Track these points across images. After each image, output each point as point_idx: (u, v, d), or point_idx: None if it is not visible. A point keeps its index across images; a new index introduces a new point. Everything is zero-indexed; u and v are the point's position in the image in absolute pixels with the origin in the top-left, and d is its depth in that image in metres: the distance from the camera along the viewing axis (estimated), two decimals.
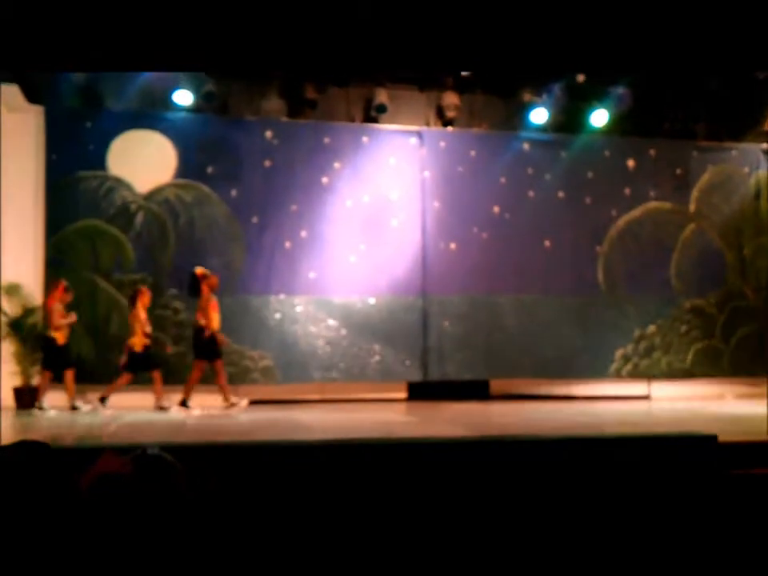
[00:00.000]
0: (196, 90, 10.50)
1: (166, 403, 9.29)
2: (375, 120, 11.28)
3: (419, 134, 11.37)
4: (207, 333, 9.40)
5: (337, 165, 11.06)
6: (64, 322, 9.36)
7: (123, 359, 9.44)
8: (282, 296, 10.67)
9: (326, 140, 11.04)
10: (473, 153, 11.43)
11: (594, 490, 4.45)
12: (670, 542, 4.26)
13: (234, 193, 10.68)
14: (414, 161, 11.32)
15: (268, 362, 10.51)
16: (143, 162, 10.46)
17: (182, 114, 10.66)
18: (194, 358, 9.55)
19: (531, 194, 11.53)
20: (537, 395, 11.08)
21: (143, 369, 9.44)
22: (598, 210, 11.69)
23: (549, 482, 4.43)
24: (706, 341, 11.93)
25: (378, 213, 11.14)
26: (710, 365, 11.92)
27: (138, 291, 9.58)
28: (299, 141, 10.93)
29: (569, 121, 11.61)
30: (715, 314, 12.03)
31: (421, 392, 11.02)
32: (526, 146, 11.58)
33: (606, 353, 11.48)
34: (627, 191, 11.82)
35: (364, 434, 6.69)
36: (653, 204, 11.91)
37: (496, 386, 11.04)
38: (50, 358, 9.42)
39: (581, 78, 10.95)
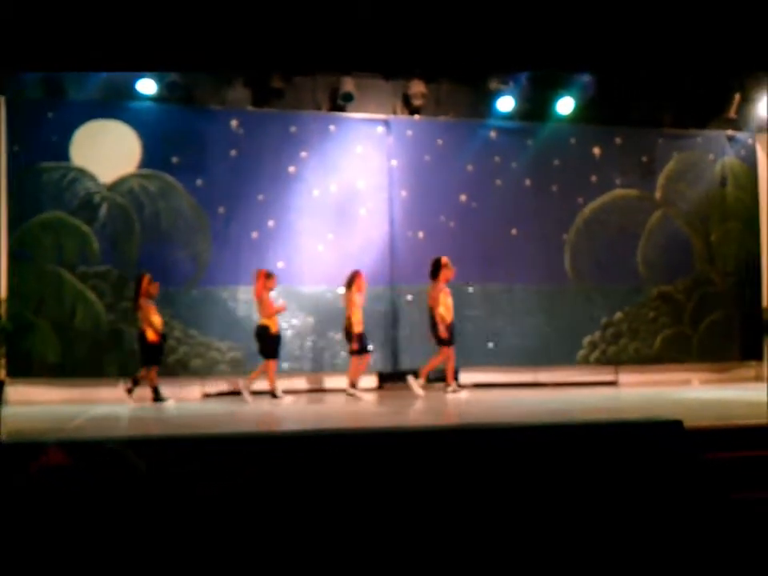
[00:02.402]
0: (160, 80, 10.37)
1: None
2: (342, 109, 11.22)
3: (386, 123, 11.33)
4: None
5: (303, 154, 11.00)
6: (276, 310, 9.52)
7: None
8: (249, 287, 10.60)
9: (293, 129, 10.98)
10: (440, 141, 11.41)
11: (562, 476, 4.47)
12: (637, 525, 4.29)
13: (199, 183, 10.58)
14: (381, 149, 11.29)
15: (236, 354, 10.44)
16: (107, 152, 10.32)
17: (146, 104, 10.53)
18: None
19: (498, 182, 11.54)
20: (505, 383, 11.12)
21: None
22: (564, 197, 11.72)
23: (517, 469, 4.44)
24: (674, 327, 12.03)
25: (346, 202, 11.10)
26: (678, 351, 12.02)
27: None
28: (265, 130, 10.85)
29: (535, 109, 11.62)
30: (683, 301, 12.13)
31: (391, 382, 11.03)
32: (492, 134, 11.59)
33: (573, 340, 11.54)
34: (593, 179, 11.87)
35: (335, 425, 6.69)
36: (619, 191, 11.97)
37: (465, 374, 11.03)
38: (265, 346, 9.50)
39: None
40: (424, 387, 9.78)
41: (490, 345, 11.20)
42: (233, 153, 10.73)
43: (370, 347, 9.93)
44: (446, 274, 9.87)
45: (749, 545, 4.16)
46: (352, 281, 9.86)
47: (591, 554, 4.18)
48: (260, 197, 10.77)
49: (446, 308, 9.80)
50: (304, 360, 10.78)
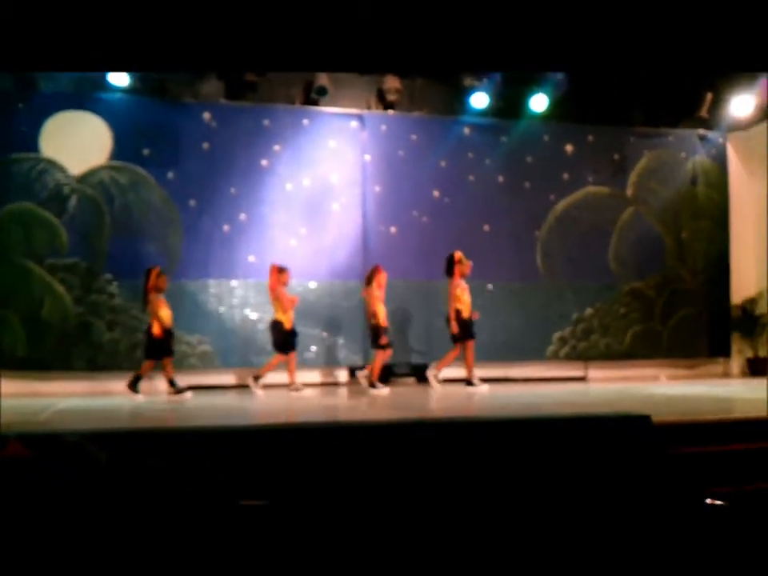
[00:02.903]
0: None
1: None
2: (316, 103, 11.18)
3: (360, 118, 11.32)
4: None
5: (276, 147, 10.96)
6: (291, 305, 9.49)
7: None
8: (220, 280, 10.56)
9: (266, 122, 10.93)
10: (413, 137, 11.42)
11: (531, 470, 4.48)
12: (604, 518, 4.31)
13: (171, 175, 10.51)
14: (355, 144, 11.28)
15: (206, 347, 10.40)
16: (77, 143, 10.22)
17: (118, 96, 10.44)
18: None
19: (471, 178, 11.57)
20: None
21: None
22: (537, 194, 11.78)
23: (487, 463, 4.45)
24: (644, 323, 12.12)
25: (319, 196, 11.08)
26: (648, 347, 12.12)
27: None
28: (238, 123, 10.80)
29: (509, 106, 11.66)
30: (653, 297, 12.23)
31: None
32: (466, 130, 11.61)
33: (544, 336, 11.61)
34: (566, 176, 11.93)
35: (307, 419, 6.67)
36: (591, 189, 12.05)
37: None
38: (279, 341, 9.48)
39: None
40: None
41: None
42: (205, 146, 10.67)
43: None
44: (460, 269, 9.84)
45: (714, 538, 4.20)
46: (372, 276, 9.85)
47: (559, 547, 4.20)
48: (232, 190, 10.72)
49: (463, 304, 9.77)
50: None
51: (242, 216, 10.74)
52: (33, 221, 10.04)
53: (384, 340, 9.71)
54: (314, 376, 10.81)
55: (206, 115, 10.73)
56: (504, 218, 11.61)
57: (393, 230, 11.23)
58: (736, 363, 12.56)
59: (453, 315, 9.73)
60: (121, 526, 2.49)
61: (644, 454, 4.86)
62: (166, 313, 9.28)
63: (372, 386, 9.54)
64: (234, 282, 10.60)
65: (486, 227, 11.54)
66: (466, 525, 4.17)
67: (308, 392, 9.40)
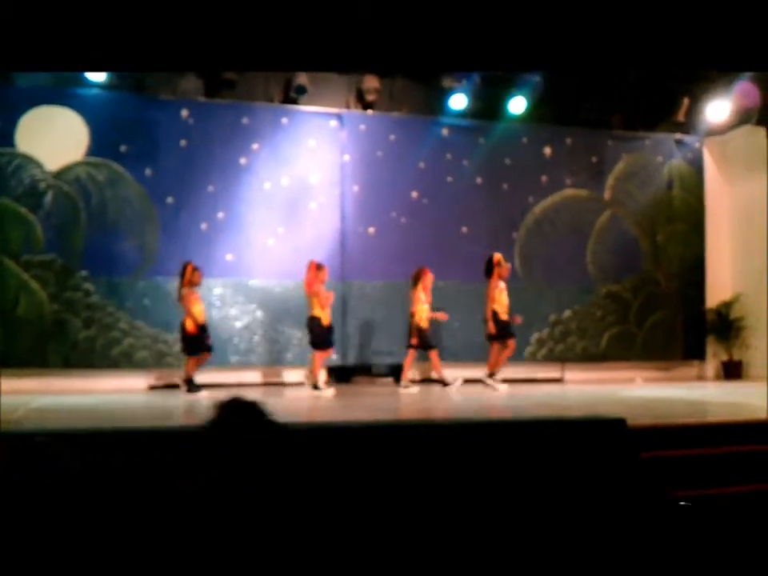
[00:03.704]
0: None
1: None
2: (295, 101, 11.15)
3: (339, 117, 11.30)
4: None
5: (255, 146, 10.91)
6: (328, 301, 9.48)
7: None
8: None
9: (245, 120, 10.89)
10: (392, 137, 11.42)
11: (506, 473, 4.49)
12: (579, 523, 4.33)
13: (148, 172, 10.44)
14: (334, 144, 11.25)
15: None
16: (53, 139, 10.12)
17: (95, 91, 10.35)
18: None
19: (450, 179, 11.59)
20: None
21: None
22: (515, 196, 11.82)
23: (461, 466, 4.45)
24: (620, 326, 12.19)
25: (297, 195, 11.04)
26: (624, 349, 12.20)
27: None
28: (217, 121, 10.75)
29: (488, 107, 11.68)
30: (630, 300, 12.31)
31: (340, 376, 11.03)
32: (445, 131, 11.62)
33: (522, 337, 11.61)
34: (544, 178, 11.98)
35: (283, 419, 6.62)
36: (569, 191, 12.10)
37: (415, 370, 11.06)
38: (316, 337, 9.48)
39: None
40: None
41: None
42: (183, 143, 10.60)
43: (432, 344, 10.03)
44: (499, 271, 9.99)
45: (685, 543, 4.23)
46: (418, 277, 9.98)
47: (530, 550, 4.22)
48: (210, 188, 10.67)
49: (500, 305, 9.91)
50: (253, 354, 10.72)
51: (220, 214, 10.69)
52: (8, 217, 9.93)
53: (414, 341, 9.83)
54: (296, 376, 10.75)
55: (184, 112, 10.66)
56: (482, 219, 11.63)
57: (371, 230, 11.23)
58: (711, 366, 12.67)
59: (489, 316, 9.91)
60: (93, 530, 2.47)
61: (618, 457, 4.88)
62: (198, 308, 9.37)
63: (399, 382, 9.77)
64: (211, 281, 10.54)
65: (464, 228, 11.56)
66: (441, 527, 4.17)
67: (330, 391, 9.35)
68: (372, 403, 8.38)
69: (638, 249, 12.42)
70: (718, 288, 12.65)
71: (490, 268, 10.03)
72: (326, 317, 9.52)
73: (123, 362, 10.16)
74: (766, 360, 11.96)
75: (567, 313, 11.95)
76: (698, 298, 12.61)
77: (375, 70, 10.97)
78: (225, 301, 10.62)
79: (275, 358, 10.81)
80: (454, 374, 10.18)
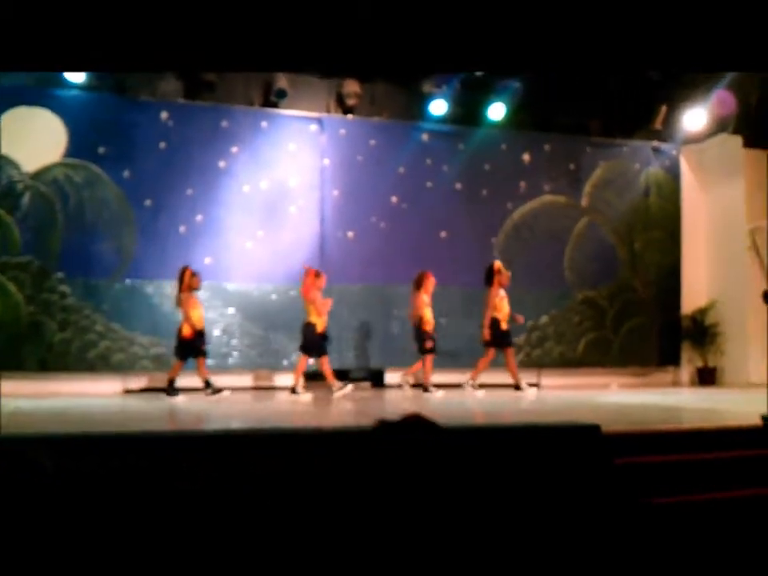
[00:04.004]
0: None
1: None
2: (275, 105, 11.15)
3: (319, 121, 11.30)
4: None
5: (234, 149, 10.90)
6: (325, 308, 9.52)
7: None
8: (175, 281, 10.44)
9: (224, 123, 10.87)
10: (372, 142, 11.44)
11: (479, 480, 4.50)
12: (550, 529, 4.35)
13: (126, 174, 10.40)
14: (314, 148, 11.26)
15: (160, 349, 10.28)
16: (31, 140, 10.05)
17: (74, 92, 10.30)
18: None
19: (429, 184, 11.62)
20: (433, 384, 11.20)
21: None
22: (494, 202, 11.87)
23: (436, 473, 4.46)
24: (597, 331, 12.27)
25: (277, 199, 11.04)
26: (600, 355, 12.28)
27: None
28: (196, 123, 10.72)
29: (467, 113, 11.74)
30: (606, 306, 12.39)
31: (318, 380, 11.01)
32: (425, 136, 11.66)
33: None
34: (523, 184, 12.05)
35: (259, 424, 6.61)
36: (547, 197, 12.18)
37: (393, 374, 11.07)
38: (308, 343, 9.54)
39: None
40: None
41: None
42: (162, 145, 10.57)
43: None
44: (500, 279, 10.07)
45: (658, 549, 4.26)
46: (420, 281, 10.03)
47: (503, 557, 4.23)
48: (189, 191, 10.64)
49: (500, 313, 10.00)
50: (230, 357, 10.68)
51: (199, 217, 10.67)
52: None
53: (429, 344, 9.88)
54: (270, 378, 10.74)
55: (164, 114, 10.63)
56: (461, 224, 11.67)
57: (350, 234, 11.24)
58: (686, 372, 12.78)
59: (487, 323, 10.02)
60: (65, 537, 2.46)
61: (591, 464, 4.91)
62: (196, 313, 9.36)
63: (426, 390, 9.76)
64: None
65: (444, 233, 11.60)
66: (412, 535, 4.17)
67: (307, 396, 9.37)
68: (356, 408, 8.39)
69: (615, 255, 12.52)
70: (694, 295, 12.77)
71: (490, 276, 10.12)
72: (320, 324, 9.57)
73: (99, 364, 10.10)
74: (740, 366, 12.13)
75: (544, 318, 12.02)
76: (673, 305, 12.73)
77: (357, 72, 11.00)
78: (202, 304, 10.56)
79: (253, 362, 10.78)
80: (437, 378, 10.22)
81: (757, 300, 11.93)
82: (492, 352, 10.11)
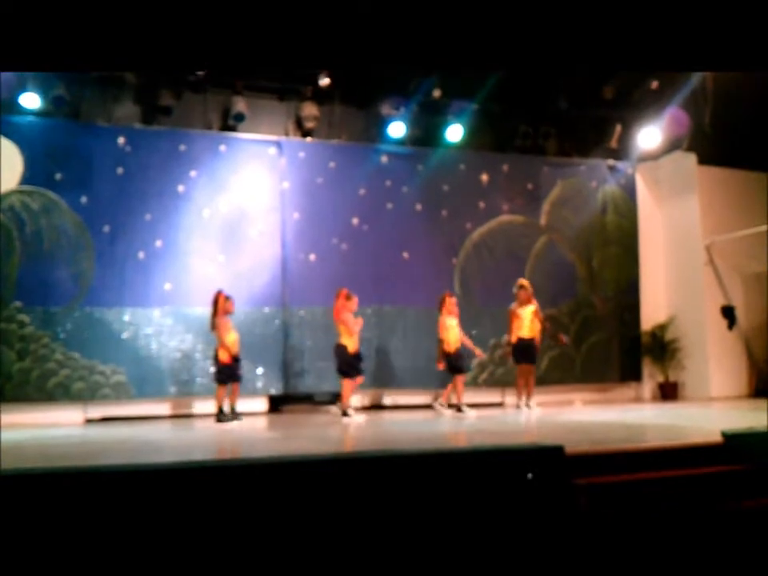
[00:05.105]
0: (44, 94, 10.08)
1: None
2: (233, 128, 11.14)
3: (278, 144, 11.30)
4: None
5: (193, 173, 10.85)
6: (357, 328, 9.53)
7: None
8: (135, 308, 10.35)
9: (182, 147, 10.82)
10: (332, 164, 11.46)
11: (444, 504, 4.49)
12: (511, 552, 4.36)
13: (84, 200, 10.30)
14: (273, 171, 11.25)
15: (120, 377, 10.15)
16: None
17: (29, 118, 10.20)
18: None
19: (389, 205, 11.66)
20: (396, 405, 11.19)
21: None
22: (453, 222, 11.95)
23: (398, 497, 4.44)
24: (559, 349, 12.34)
25: (236, 223, 11.00)
26: (563, 372, 12.35)
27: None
28: (154, 148, 10.66)
29: (425, 135, 11.84)
30: (567, 323, 12.48)
31: (281, 404, 10.97)
32: (384, 158, 11.71)
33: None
34: (481, 204, 12.14)
35: (220, 454, 6.54)
36: (506, 217, 12.28)
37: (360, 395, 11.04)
38: (343, 365, 9.58)
39: (437, 93, 11.19)
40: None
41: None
42: (119, 170, 10.49)
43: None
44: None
45: (619, 568, 4.29)
46: (440, 304, 10.14)
47: None
48: (147, 216, 10.55)
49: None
50: (192, 384, 10.57)
51: (158, 242, 10.58)
52: None
53: (440, 365, 10.07)
54: (247, 404, 10.64)
55: (121, 139, 10.55)
56: (422, 245, 11.72)
57: (312, 257, 11.22)
58: (648, 387, 12.92)
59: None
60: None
61: (554, 485, 4.91)
62: (231, 337, 9.38)
63: (459, 410, 9.79)
64: (149, 310, 10.41)
65: (405, 254, 11.63)
66: (376, 559, 4.16)
67: (360, 417, 9.42)
68: (319, 434, 8.33)
69: (574, 273, 12.64)
70: (653, 310, 12.94)
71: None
72: (352, 344, 9.58)
73: (59, 394, 9.95)
74: (701, 380, 12.29)
75: (506, 337, 12.06)
76: (633, 321, 12.87)
77: (315, 97, 11.03)
78: (162, 330, 10.48)
79: (216, 388, 10.65)
80: (400, 399, 10.21)
81: (715, 315, 12.18)
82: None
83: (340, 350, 9.60)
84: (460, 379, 10.05)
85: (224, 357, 9.33)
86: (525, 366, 10.53)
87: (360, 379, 9.78)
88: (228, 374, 9.35)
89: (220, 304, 9.40)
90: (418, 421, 9.28)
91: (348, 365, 9.59)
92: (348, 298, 9.65)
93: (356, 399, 9.87)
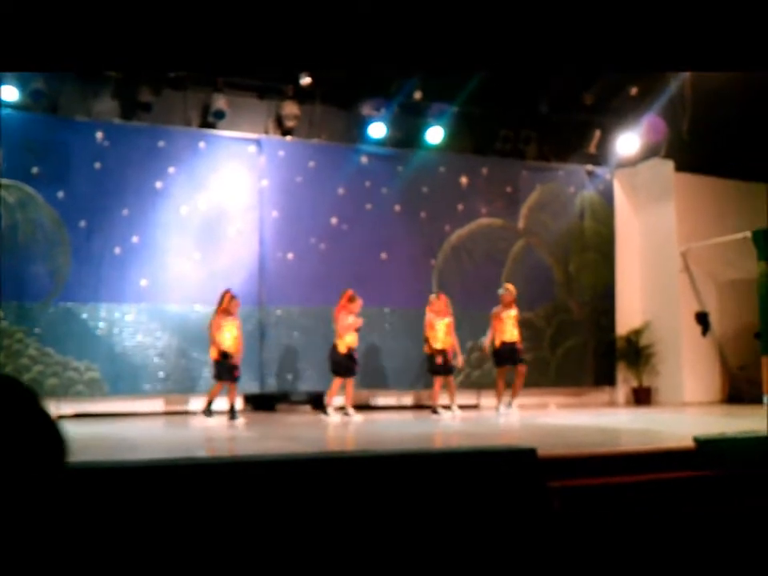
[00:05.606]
0: (23, 88, 9.99)
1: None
2: (213, 126, 11.08)
3: (258, 142, 11.26)
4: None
5: (171, 170, 10.78)
6: (352, 328, 9.55)
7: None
8: (111, 304, 10.27)
9: (161, 144, 10.75)
10: (312, 163, 11.43)
11: (416, 505, 4.49)
12: (487, 554, 4.36)
13: (60, 195, 10.20)
14: (253, 169, 11.21)
15: (94, 374, 10.08)
16: None
17: (6, 111, 10.07)
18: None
19: (369, 206, 11.66)
20: (371, 406, 11.19)
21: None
22: (432, 224, 11.96)
23: (369, 498, 4.44)
24: (535, 352, 12.38)
25: (215, 220, 10.95)
26: (539, 375, 12.38)
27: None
28: (132, 143, 10.58)
29: (406, 136, 11.85)
30: (543, 327, 12.54)
31: (257, 403, 10.94)
32: (364, 159, 11.70)
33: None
34: (460, 207, 12.16)
35: (193, 453, 6.50)
36: (484, 220, 12.31)
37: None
38: (331, 364, 9.70)
39: (418, 95, 11.21)
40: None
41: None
42: (97, 165, 10.40)
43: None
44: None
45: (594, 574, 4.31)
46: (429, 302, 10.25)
47: None
48: (124, 211, 10.48)
49: (342, 343, 9.88)
50: (168, 381, 10.51)
51: (135, 238, 10.51)
52: None
53: (434, 365, 10.07)
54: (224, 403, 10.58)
55: (99, 134, 10.47)
56: (401, 246, 11.73)
57: (290, 256, 11.20)
58: (622, 392, 13.00)
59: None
60: None
61: (527, 488, 4.92)
62: (228, 335, 9.28)
63: (435, 411, 9.87)
64: (125, 307, 10.33)
65: (384, 255, 11.64)
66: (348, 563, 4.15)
67: (337, 417, 9.45)
68: (298, 434, 8.32)
69: (551, 277, 12.70)
70: (628, 316, 13.02)
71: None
72: (343, 345, 9.60)
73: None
74: (675, 386, 12.39)
75: (483, 339, 12.09)
76: (608, 326, 12.95)
77: (296, 96, 11.00)
78: (138, 327, 10.41)
79: (190, 386, 10.62)
80: (381, 400, 10.20)
81: (690, 321, 12.27)
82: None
83: (331, 349, 9.71)
84: (437, 381, 10.05)
85: (213, 353, 9.30)
86: (519, 366, 10.46)
87: (350, 381, 9.75)
88: (219, 370, 9.29)
89: (224, 303, 9.36)
90: (396, 422, 9.29)
91: (336, 364, 9.66)
92: (351, 300, 9.69)
93: (339, 400, 9.83)
